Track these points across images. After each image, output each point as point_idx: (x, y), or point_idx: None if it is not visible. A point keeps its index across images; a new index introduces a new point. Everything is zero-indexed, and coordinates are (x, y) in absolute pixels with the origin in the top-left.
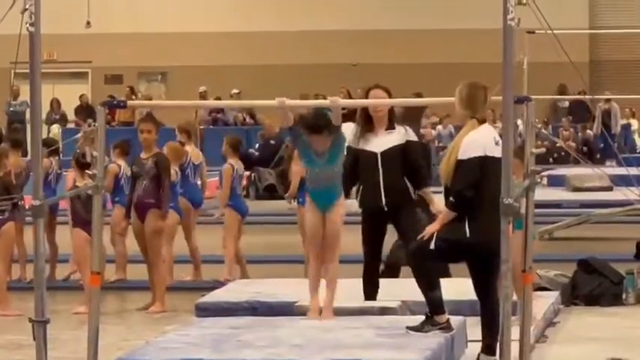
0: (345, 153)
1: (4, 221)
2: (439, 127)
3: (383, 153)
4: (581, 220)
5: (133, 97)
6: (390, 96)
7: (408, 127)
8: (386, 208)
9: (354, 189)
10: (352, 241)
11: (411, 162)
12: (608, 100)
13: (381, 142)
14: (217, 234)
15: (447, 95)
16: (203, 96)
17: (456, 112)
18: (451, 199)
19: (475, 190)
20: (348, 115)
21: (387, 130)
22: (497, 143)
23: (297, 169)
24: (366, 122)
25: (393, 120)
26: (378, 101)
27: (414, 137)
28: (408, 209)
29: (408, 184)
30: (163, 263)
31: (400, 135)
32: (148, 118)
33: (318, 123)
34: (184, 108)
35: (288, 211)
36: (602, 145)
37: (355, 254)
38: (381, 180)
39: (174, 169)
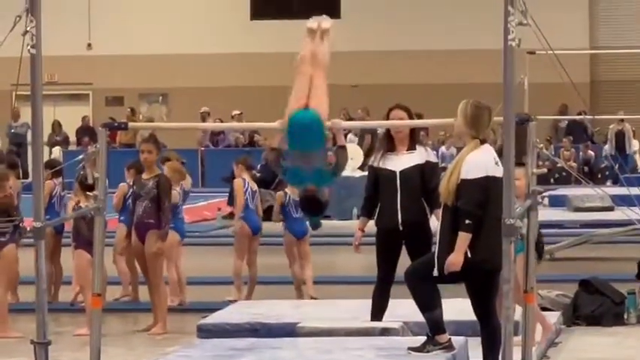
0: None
1: (4, 244)
2: (442, 147)
3: (402, 172)
4: (583, 240)
5: (134, 118)
6: (410, 115)
7: (428, 148)
8: (401, 228)
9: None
10: (363, 262)
11: (425, 182)
12: (621, 121)
13: (401, 161)
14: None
15: (448, 116)
16: (204, 117)
17: (456, 129)
18: (467, 221)
19: (482, 209)
20: (371, 149)
21: (408, 150)
22: (497, 163)
23: (278, 194)
24: (388, 142)
25: (415, 140)
26: (381, 123)
27: (433, 158)
28: (423, 231)
29: (425, 205)
30: (166, 284)
31: (421, 155)
32: (149, 139)
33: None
34: (185, 129)
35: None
36: (603, 164)
37: (364, 275)
38: (399, 199)
39: (176, 190)
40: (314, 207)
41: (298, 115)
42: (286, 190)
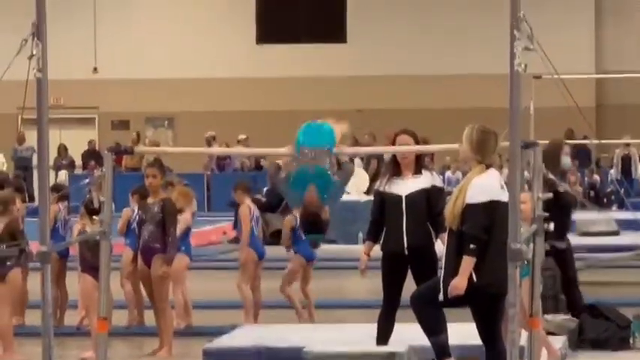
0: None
1: (10, 268)
2: (448, 172)
3: (408, 196)
4: (588, 264)
5: (140, 142)
6: (416, 140)
7: (434, 173)
8: (407, 252)
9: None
10: (369, 286)
11: (431, 206)
12: (627, 145)
13: (407, 186)
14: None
15: (454, 141)
16: (209, 141)
17: (461, 154)
18: (471, 245)
19: (487, 233)
20: (377, 173)
21: (414, 174)
22: (502, 188)
23: (287, 219)
24: (395, 167)
25: (421, 165)
26: (387, 149)
27: (439, 183)
28: (428, 255)
29: (431, 229)
30: (172, 308)
31: (426, 180)
32: (154, 163)
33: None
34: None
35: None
36: (609, 189)
37: (369, 299)
38: (405, 223)
39: (187, 213)
40: (315, 224)
41: (312, 123)
42: (295, 213)
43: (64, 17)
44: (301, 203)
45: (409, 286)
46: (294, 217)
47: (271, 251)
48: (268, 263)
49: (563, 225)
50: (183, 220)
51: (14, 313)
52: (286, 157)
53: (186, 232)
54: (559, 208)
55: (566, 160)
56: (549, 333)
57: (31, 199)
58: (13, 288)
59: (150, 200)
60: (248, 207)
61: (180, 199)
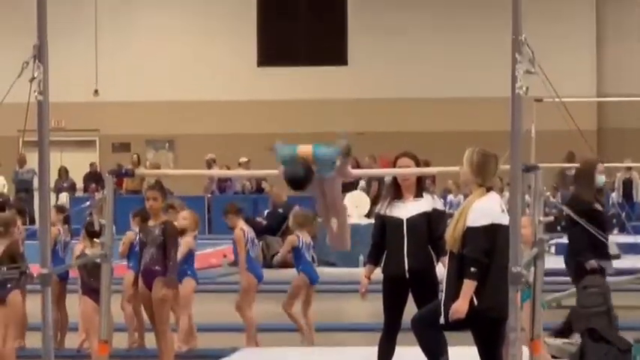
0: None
1: (10, 290)
2: (450, 195)
3: (409, 219)
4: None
5: (141, 165)
6: (417, 163)
7: (435, 196)
8: (408, 275)
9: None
10: (370, 309)
11: (432, 230)
12: (628, 169)
13: (408, 209)
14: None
15: (455, 164)
16: (209, 164)
17: (462, 177)
18: (472, 269)
19: (488, 257)
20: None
21: (415, 197)
22: (503, 211)
23: (290, 238)
24: (396, 190)
25: (422, 188)
26: (388, 171)
27: (440, 206)
28: (429, 278)
29: (432, 253)
30: (174, 331)
31: (427, 203)
32: (155, 186)
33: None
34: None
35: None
36: (610, 212)
37: (370, 322)
38: (405, 246)
39: (191, 237)
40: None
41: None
42: (298, 233)
43: (65, 40)
44: (293, 157)
45: (410, 309)
46: (297, 237)
47: (272, 274)
48: (268, 286)
49: (603, 243)
50: (185, 243)
51: (15, 336)
52: (278, 189)
53: (190, 255)
54: (598, 226)
55: (600, 179)
56: (554, 357)
57: (32, 221)
58: (13, 310)
59: (151, 223)
60: (242, 230)
61: (190, 222)
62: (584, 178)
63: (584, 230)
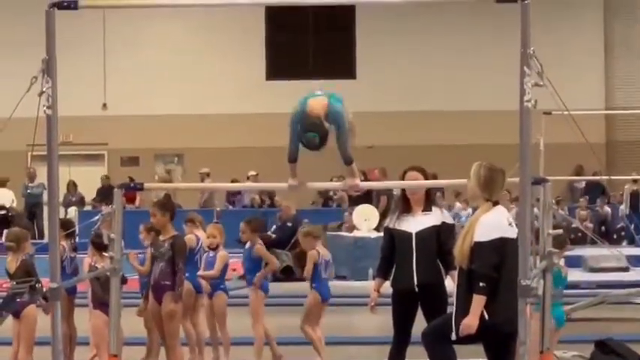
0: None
1: (25, 304)
2: (462, 211)
3: (417, 233)
4: (599, 300)
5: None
6: (425, 177)
7: (444, 209)
8: (417, 289)
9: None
10: (379, 322)
11: (441, 244)
12: (635, 181)
13: (417, 222)
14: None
15: (463, 176)
16: (203, 177)
17: (469, 192)
18: (481, 284)
19: (497, 271)
20: (363, 196)
21: (423, 211)
22: (510, 224)
23: (311, 253)
24: (404, 203)
25: (430, 201)
26: (396, 184)
27: (449, 219)
28: (438, 292)
29: (441, 266)
30: (184, 345)
31: (436, 216)
32: (156, 202)
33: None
34: (200, 190)
35: (305, 292)
36: (619, 225)
37: (380, 335)
38: (414, 260)
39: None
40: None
41: None
42: (318, 249)
43: (73, 54)
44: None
45: (419, 322)
46: (317, 253)
47: (280, 287)
48: (276, 300)
49: None
50: (220, 257)
51: (28, 350)
52: (288, 203)
53: (225, 268)
54: None
55: None
56: None
57: (41, 235)
58: (28, 325)
59: (161, 237)
60: (261, 245)
61: (221, 237)
62: None
63: None
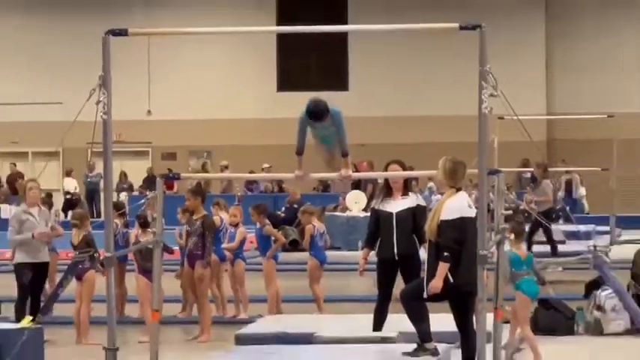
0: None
1: (86, 269)
2: (432, 194)
3: (397, 213)
4: (541, 267)
5: (207, 169)
6: (404, 168)
7: (419, 194)
8: (397, 258)
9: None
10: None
11: (416, 221)
12: (568, 172)
13: (397, 204)
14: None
15: (433, 168)
16: (222, 169)
17: (437, 180)
18: (445, 253)
19: (459, 244)
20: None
21: (402, 196)
22: (470, 206)
23: (308, 227)
24: (387, 189)
25: (407, 188)
26: (381, 174)
27: (423, 202)
28: (414, 260)
29: (416, 240)
30: (211, 302)
31: (412, 200)
32: (190, 190)
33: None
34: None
35: (308, 260)
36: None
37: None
38: (395, 235)
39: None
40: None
41: None
42: (314, 224)
43: (123, 70)
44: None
45: (399, 284)
46: (313, 227)
47: (289, 256)
48: (285, 266)
49: None
50: (240, 232)
51: (88, 306)
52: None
53: (243, 241)
54: None
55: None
56: (509, 321)
57: (98, 215)
58: (88, 286)
59: (194, 217)
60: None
61: (240, 217)
62: None
63: None
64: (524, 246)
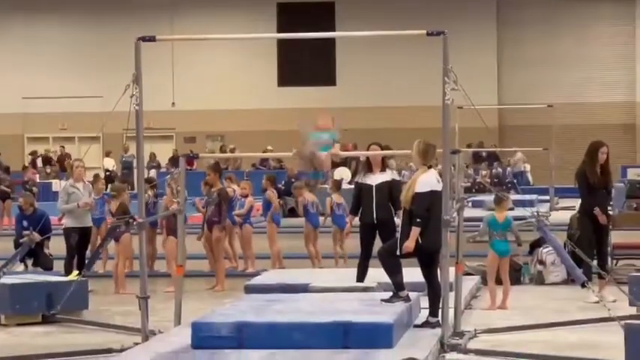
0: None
1: (122, 232)
2: (404, 171)
3: (376, 185)
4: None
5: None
6: (382, 149)
7: (394, 170)
8: (376, 222)
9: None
10: (353, 244)
11: (392, 193)
12: (515, 152)
13: (376, 178)
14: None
15: (407, 149)
16: (232, 150)
17: (413, 159)
18: (417, 220)
19: (428, 211)
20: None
21: (380, 171)
22: (438, 181)
23: (300, 199)
24: (368, 166)
25: (385, 165)
26: (363, 153)
27: (397, 177)
28: (390, 225)
29: (392, 208)
30: (225, 259)
31: (389, 175)
32: (210, 166)
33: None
34: (236, 158)
35: (304, 224)
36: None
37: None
38: (374, 203)
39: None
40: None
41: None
42: (305, 195)
43: (152, 69)
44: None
45: (378, 244)
46: (304, 198)
47: (288, 222)
48: (285, 229)
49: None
50: (248, 202)
51: (125, 262)
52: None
53: (251, 209)
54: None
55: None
56: (468, 273)
57: (133, 188)
58: (124, 246)
59: (212, 189)
60: (273, 192)
61: (249, 190)
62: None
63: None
64: (507, 213)
